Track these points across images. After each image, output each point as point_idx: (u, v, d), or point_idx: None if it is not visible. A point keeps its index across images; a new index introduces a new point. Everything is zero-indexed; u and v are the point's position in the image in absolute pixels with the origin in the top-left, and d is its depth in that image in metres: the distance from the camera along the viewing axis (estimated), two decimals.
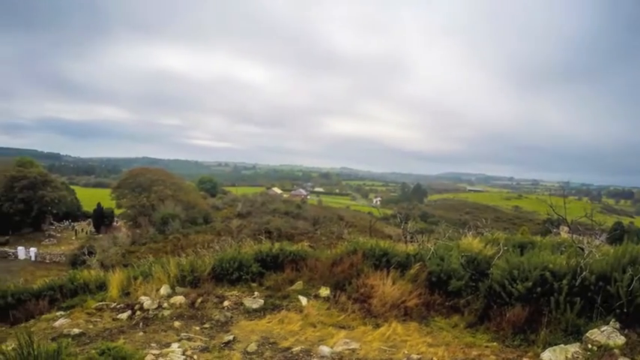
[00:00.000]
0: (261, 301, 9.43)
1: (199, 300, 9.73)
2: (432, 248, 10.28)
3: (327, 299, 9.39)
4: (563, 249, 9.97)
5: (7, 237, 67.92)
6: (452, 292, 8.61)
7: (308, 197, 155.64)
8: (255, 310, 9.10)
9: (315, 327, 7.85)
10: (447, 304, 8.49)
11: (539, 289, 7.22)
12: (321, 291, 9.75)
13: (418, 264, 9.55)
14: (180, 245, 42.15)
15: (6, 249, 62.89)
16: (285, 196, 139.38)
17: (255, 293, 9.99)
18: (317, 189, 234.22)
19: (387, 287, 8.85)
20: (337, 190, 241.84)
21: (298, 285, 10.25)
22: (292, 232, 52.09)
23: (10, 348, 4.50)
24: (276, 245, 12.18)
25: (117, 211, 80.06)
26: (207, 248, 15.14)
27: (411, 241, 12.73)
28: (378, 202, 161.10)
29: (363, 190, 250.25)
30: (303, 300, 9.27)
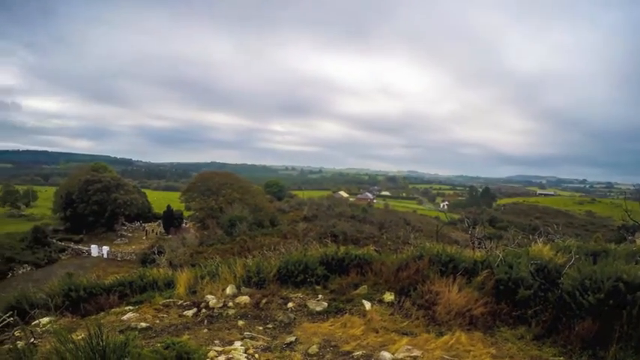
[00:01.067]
0: (325, 304, 9.38)
1: (264, 300, 9.79)
2: (500, 255, 9.90)
3: (391, 304, 9.22)
4: (639, 258, 9.40)
5: (81, 236, 72.46)
6: (519, 302, 8.19)
7: (374, 201, 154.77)
8: (319, 313, 9.05)
9: (377, 332, 7.71)
10: (513, 314, 8.06)
11: (611, 302, 6.72)
12: (385, 296, 9.58)
13: (485, 271, 9.19)
14: (246, 247, 42.68)
15: (80, 247, 66.98)
16: (351, 199, 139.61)
17: (320, 296, 9.95)
18: (383, 193, 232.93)
19: (452, 294, 8.59)
20: (404, 194, 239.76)
21: (363, 289, 10.12)
22: (358, 236, 51.83)
23: (79, 337, 4.65)
24: (342, 249, 12.05)
25: (186, 213, 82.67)
26: (273, 250, 15.28)
27: (479, 247, 12.32)
28: (445, 206, 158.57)
29: (429, 194, 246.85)
30: (367, 304, 9.13)
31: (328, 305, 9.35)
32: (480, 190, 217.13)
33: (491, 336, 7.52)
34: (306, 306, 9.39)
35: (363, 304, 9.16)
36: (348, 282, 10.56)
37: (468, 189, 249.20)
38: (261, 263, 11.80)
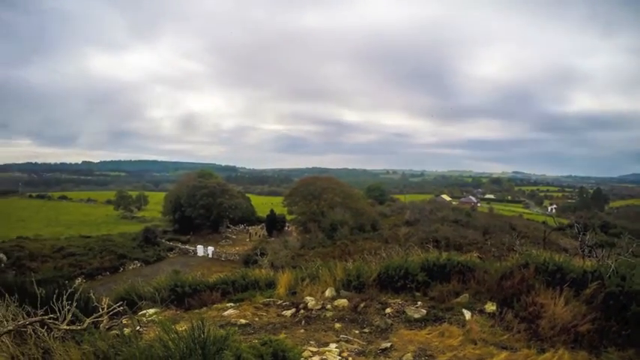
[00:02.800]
0: (424, 312, 9.16)
1: (362, 305, 9.74)
2: (612, 265, 9.13)
3: (492, 315, 8.82)
4: None
5: (188, 236, 76.99)
6: (631, 320, 7.29)
7: (478, 205, 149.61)
8: (416, 320, 8.84)
9: (475, 344, 7.40)
10: (623, 332, 7.28)
11: None
12: (487, 306, 9.19)
13: (595, 283, 8.44)
14: (347, 251, 42.84)
15: (187, 246, 70.93)
16: (454, 203, 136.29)
17: (419, 303, 9.72)
18: (487, 196, 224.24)
19: (558, 307, 8.03)
20: (509, 197, 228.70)
21: (464, 298, 9.78)
22: (460, 242, 50.31)
23: (182, 329, 4.85)
24: (444, 255, 11.74)
25: (288, 217, 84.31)
26: (373, 255, 15.17)
27: (589, 256, 11.53)
28: (553, 210, 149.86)
29: (536, 197, 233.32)
30: (467, 314, 8.80)
31: (427, 313, 9.11)
32: (591, 191, 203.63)
33: (596, 356, 6.90)
34: (404, 312, 9.22)
35: (462, 314, 8.85)
36: (448, 289, 10.24)
37: (577, 191, 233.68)
38: (362, 267, 11.74)
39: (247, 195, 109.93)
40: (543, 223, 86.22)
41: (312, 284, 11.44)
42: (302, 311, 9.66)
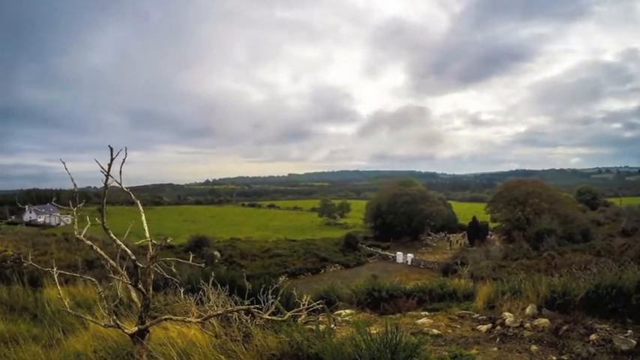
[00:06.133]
0: (633, 342, 7.97)
1: (564, 327, 8.95)
2: None
3: None
4: None
5: (388, 243, 78.89)
6: None
7: None
8: (623, 353, 7.71)
9: None
10: None
11: None
12: None
13: None
14: (553, 264, 39.93)
15: (387, 253, 72.55)
16: None
17: (629, 331, 8.59)
18: None
19: None
20: None
21: None
22: None
23: (375, 332, 4.97)
24: None
25: (491, 225, 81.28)
26: (582, 270, 14.01)
27: None
28: None
29: None
30: None
31: (636, 344, 8.02)
32: None
33: None
34: (610, 341, 8.22)
35: None
36: None
37: None
38: (568, 284, 10.85)
39: (449, 202, 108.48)
40: None
41: (513, 299, 10.84)
42: (498, 327, 9.21)
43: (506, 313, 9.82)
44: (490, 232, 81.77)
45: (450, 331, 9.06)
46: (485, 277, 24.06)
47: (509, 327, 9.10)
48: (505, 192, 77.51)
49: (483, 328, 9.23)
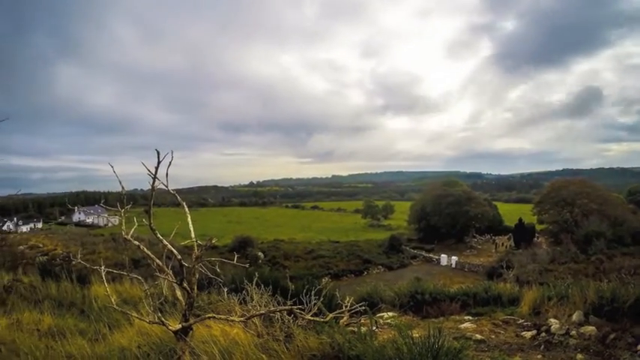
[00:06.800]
0: None
1: (612, 336, 8.66)
2: None
3: None
4: None
5: (432, 245, 78.30)
6: None
7: None
8: None
9: None
10: None
11: None
12: None
13: None
14: (602, 268, 38.84)
15: (431, 255, 72.04)
16: None
17: None
18: None
19: None
20: None
21: None
22: None
23: (417, 335, 4.96)
24: None
25: (538, 227, 79.45)
26: (632, 275, 13.64)
27: None
28: None
29: None
30: None
31: None
32: None
33: None
34: None
35: None
36: None
37: None
38: (617, 290, 10.55)
39: (494, 203, 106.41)
40: None
41: (559, 305, 10.57)
42: (543, 334, 8.99)
43: (552, 320, 9.59)
44: (537, 235, 79.85)
45: (493, 336, 8.92)
46: (532, 281, 23.64)
47: (554, 334, 8.89)
48: (552, 192, 75.77)
49: (528, 334, 9.05)
